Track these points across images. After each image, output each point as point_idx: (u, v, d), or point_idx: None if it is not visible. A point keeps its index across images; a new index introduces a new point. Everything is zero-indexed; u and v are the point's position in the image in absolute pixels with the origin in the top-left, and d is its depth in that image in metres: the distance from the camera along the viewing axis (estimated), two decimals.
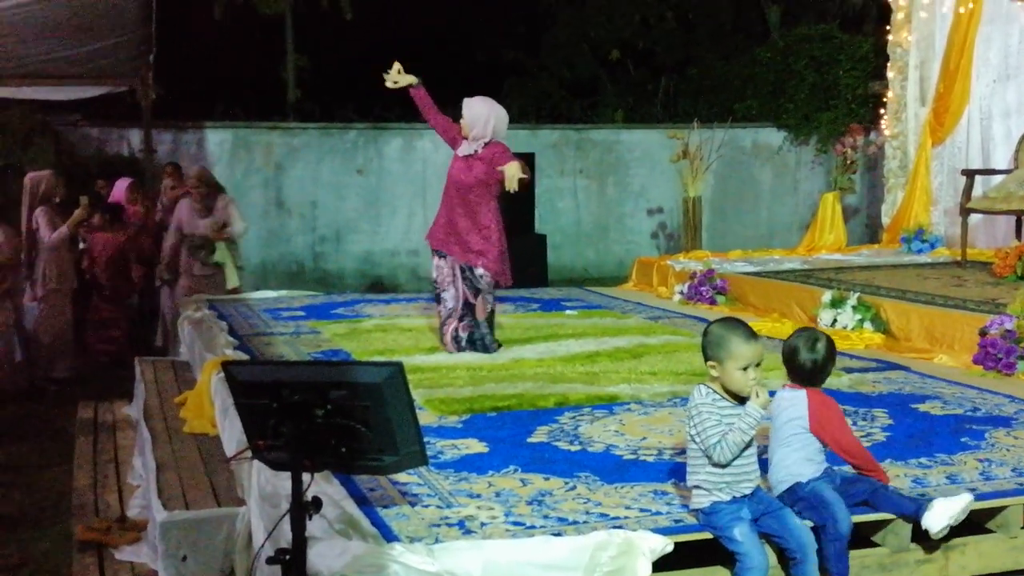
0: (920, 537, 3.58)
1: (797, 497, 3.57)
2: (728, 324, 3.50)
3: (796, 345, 3.70)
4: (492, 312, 6.56)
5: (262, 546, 3.20)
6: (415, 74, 6.47)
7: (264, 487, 3.81)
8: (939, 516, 3.49)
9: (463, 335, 6.47)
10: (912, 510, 3.55)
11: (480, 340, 6.48)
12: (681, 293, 9.00)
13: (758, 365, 3.42)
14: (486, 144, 6.30)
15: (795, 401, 3.66)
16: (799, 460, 3.61)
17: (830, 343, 3.73)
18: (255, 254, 13.28)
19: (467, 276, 6.43)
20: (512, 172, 6.10)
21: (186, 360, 7.29)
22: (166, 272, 9.05)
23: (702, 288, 8.78)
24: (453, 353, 6.42)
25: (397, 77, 6.43)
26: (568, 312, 8.37)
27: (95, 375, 8.57)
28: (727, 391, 3.44)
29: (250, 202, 13.22)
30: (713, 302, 8.64)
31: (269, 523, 3.56)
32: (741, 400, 3.43)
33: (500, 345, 6.61)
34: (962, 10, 10.51)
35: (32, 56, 9.43)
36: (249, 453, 3.05)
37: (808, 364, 3.66)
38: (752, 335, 3.43)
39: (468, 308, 6.48)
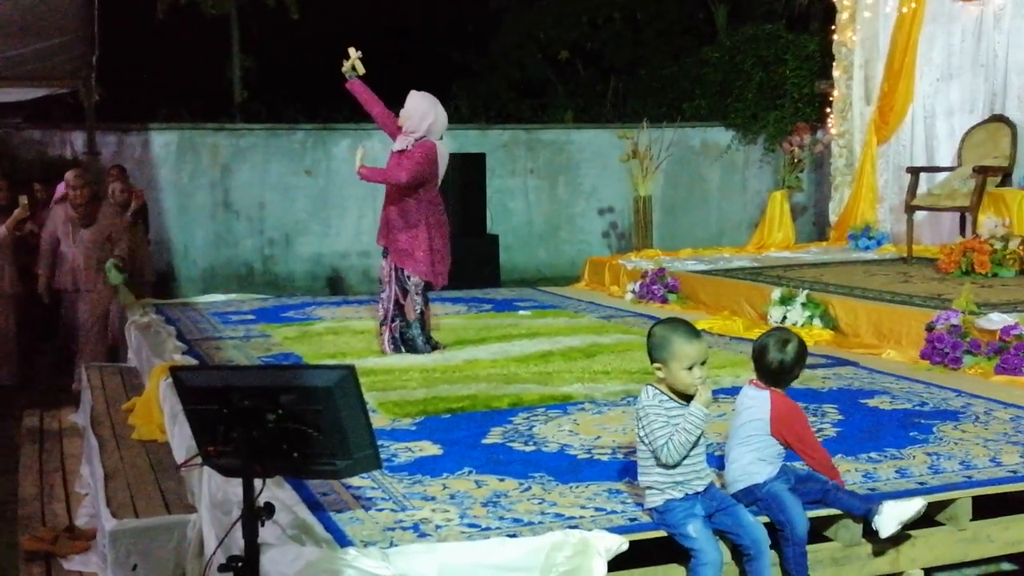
0: (872, 530, 3.61)
1: (754, 498, 3.58)
2: (670, 325, 3.49)
3: (766, 344, 3.70)
4: (422, 313, 6.54)
5: (214, 553, 3.16)
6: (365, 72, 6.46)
7: (215, 494, 3.76)
8: (889, 520, 3.52)
9: (396, 335, 6.51)
10: (863, 511, 3.58)
11: (411, 341, 6.50)
12: (633, 292, 9.04)
13: (703, 363, 3.42)
14: (417, 141, 6.29)
15: (758, 401, 3.66)
16: (756, 461, 3.62)
17: (802, 345, 3.72)
18: (202, 257, 13.14)
19: (399, 276, 6.47)
20: (359, 156, 6.27)
21: (134, 366, 7.18)
22: (46, 296, 8.25)
23: (654, 287, 8.82)
24: (388, 354, 6.44)
25: (356, 64, 6.40)
26: (521, 312, 8.38)
27: (40, 381, 8.41)
28: (674, 391, 3.44)
29: (197, 204, 13.09)
30: (665, 300, 8.69)
31: (221, 530, 3.52)
32: (688, 399, 3.43)
33: (436, 347, 6.60)
34: (905, 10, 10.65)
35: None
36: (199, 459, 3.00)
37: (775, 364, 3.66)
38: (695, 334, 3.43)
39: (399, 308, 6.50)
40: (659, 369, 3.45)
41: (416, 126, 6.29)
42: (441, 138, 6.41)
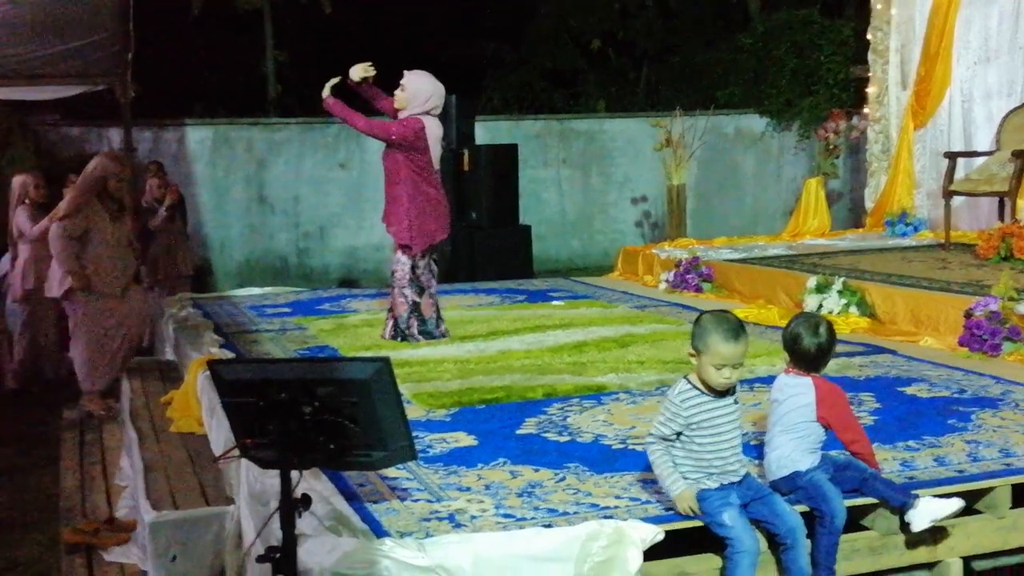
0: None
1: (795, 486, 3.58)
2: (717, 319, 3.44)
3: (798, 331, 3.68)
4: (414, 304, 6.60)
5: (252, 544, 3.19)
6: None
7: (253, 485, 3.79)
8: (923, 516, 3.51)
9: (400, 326, 6.65)
10: (899, 503, 3.56)
11: (403, 332, 6.62)
12: (667, 281, 9.00)
13: (736, 367, 3.40)
14: (408, 117, 6.40)
15: (801, 388, 3.65)
16: (800, 449, 3.61)
17: (831, 327, 3.72)
18: (238, 251, 13.24)
19: (392, 269, 6.66)
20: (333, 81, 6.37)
21: (171, 359, 7.25)
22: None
23: (688, 276, 8.78)
24: (386, 340, 6.64)
25: (366, 73, 6.50)
26: (555, 303, 8.37)
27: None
28: (703, 383, 3.44)
29: (232, 199, 13.19)
30: (699, 290, 8.65)
31: (259, 521, 3.55)
32: (718, 393, 3.42)
33: (435, 335, 6.67)
34: None
35: (8, 56, 9.35)
36: (237, 452, 3.04)
37: (813, 349, 3.64)
38: (736, 336, 3.37)
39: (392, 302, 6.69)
40: (693, 356, 3.45)
41: (420, 104, 6.38)
42: (435, 113, 6.48)
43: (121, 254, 7.14)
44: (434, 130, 6.47)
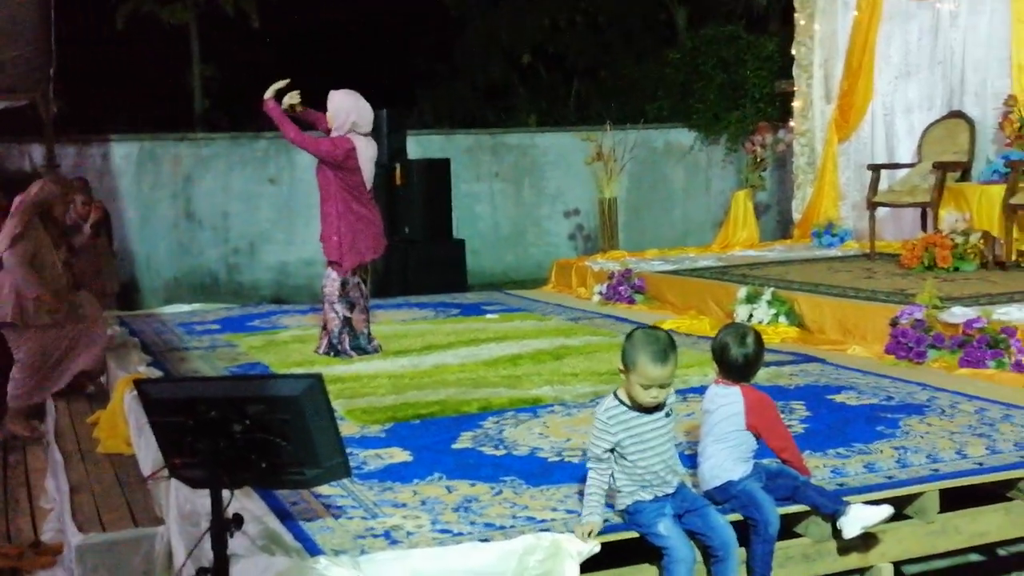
0: None
1: (729, 495, 3.61)
2: (647, 339, 3.39)
3: (726, 341, 3.70)
4: (345, 319, 6.63)
5: (183, 566, 3.13)
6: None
7: (183, 506, 3.73)
8: (854, 523, 3.55)
9: (323, 343, 6.70)
10: (831, 511, 3.61)
11: (335, 347, 6.64)
12: (600, 293, 9.05)
13: (664, 386, 3.38)
14: (339, 136, 6.45)
15: (731, 398, 3.68)
16: (732, 458, 3.64)
17: (759, 337, 3.75)
18: (165, 268, 13.02)
19: (323, 284, 6.71)
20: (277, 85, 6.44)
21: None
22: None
23: (620, 288, 8.84)
24: (321, 355, 6.66)
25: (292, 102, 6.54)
26: (489, 316, 8.37)
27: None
28: (631, 399, 3.45)
29: (159, 215, 12.96)
30: (631, 301, 8.71)
31: (189, 542, 3.49)
32: (646, 409, 3.42)
33: (367, 351, 6.68)
34: (863, 9, 10.76)
35: None
36: (166, 472, 2.98)
37: (740, 359, 3.68)
38: (664, 358, 3.34)
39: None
40: (621, 372, 3.45)
41: (342, 123, 6.44)
42: (362, 132, 6.50)
43: (63, 278, 6.93)
44: (366, 150, 6.49)
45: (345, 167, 6.40)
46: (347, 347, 6.61)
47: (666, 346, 3.37)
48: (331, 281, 6.59)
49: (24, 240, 6.65)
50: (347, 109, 6.45)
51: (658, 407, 3.45)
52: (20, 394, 6.78)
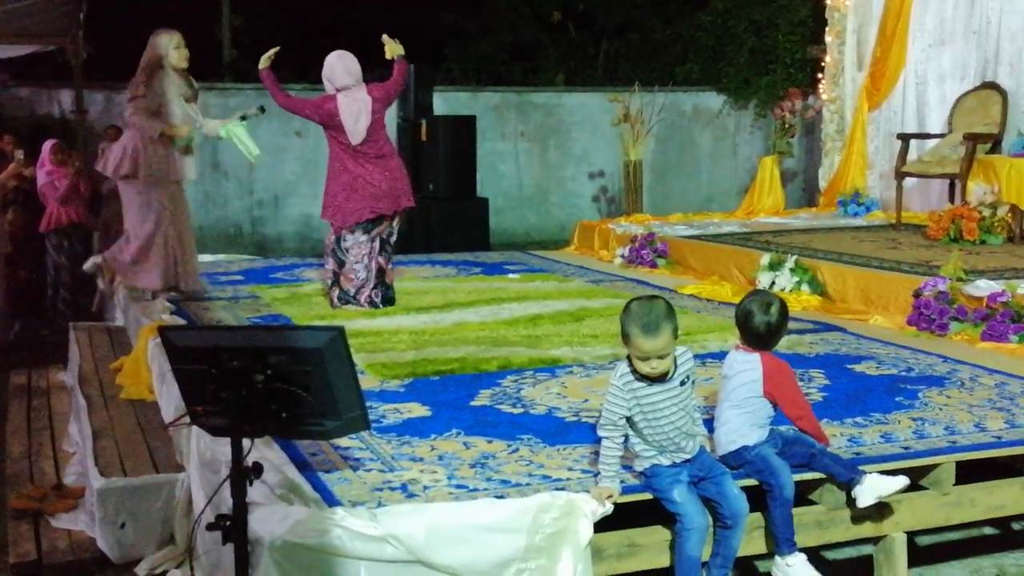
0: None
1: (744, 460, 3.62)
2: (639, 311, 3.35)
3: (750, 308, 3.69)
4: (335, 275, 6.77)
5: (202, 512, 3.17)
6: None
7: (203, 453, 3.77)
8: (869, 492, 3.56)
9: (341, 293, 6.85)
10: (846, 479, 3.61)
11: (343, 297, 6.77)
12: (622, 256, 9.04)
13: (662, 357, 3.34)
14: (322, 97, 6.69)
15: (750, 364, 3.68)
16: (748, 424, 3.64)
17: (783, 306, 3.74)
18: (191, 218, 13.05)
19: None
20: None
21: (122, 325, 7.17)
22: None
23: (643, 251, 8.82)
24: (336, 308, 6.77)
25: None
26: (510, 276, 8.37)
27: (26, 341, 8.40)
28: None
29: None
30: (654, 265, 8.69)
31: (209, 489, 3.53)
32: (653, 379, 3.40)
33: (354, 303, 6.73)
34: None
35: None
36: (188, 419, 3.01)
37: (762, 327, 3.67)
38: (655, 330, 3.29)
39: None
40: (624, 343, 3.44)
41: (331, 83, 6.69)
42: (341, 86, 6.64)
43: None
44: (350, 107, 6.55)
45: (331, 126, 6.66)
46: (335, 299, 6.75)
47: (657, 318, 3.31)
48: (328, 236, 6.83)
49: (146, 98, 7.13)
50: (329, 67, 6.67)
51: (668, 377, 3.41)
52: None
